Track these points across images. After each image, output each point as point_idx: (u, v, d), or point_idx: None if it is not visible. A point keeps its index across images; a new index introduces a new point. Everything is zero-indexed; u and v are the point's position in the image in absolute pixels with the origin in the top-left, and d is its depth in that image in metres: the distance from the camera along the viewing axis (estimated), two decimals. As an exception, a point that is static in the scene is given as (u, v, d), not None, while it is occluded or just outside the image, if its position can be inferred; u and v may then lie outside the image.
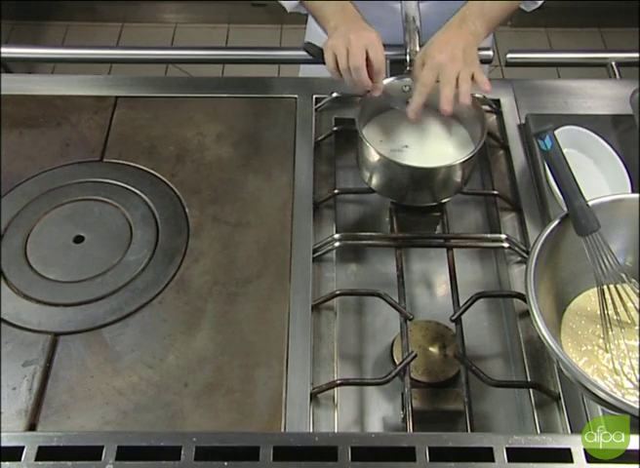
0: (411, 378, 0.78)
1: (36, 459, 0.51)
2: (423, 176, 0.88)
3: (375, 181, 0.92)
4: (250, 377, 0.78)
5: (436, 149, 0.93)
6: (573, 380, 0.65)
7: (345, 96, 1.08)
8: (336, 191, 0.97)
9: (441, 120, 0.95)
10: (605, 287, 0.75)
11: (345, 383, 0.79)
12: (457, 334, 0.81)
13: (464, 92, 0.85)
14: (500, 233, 0.92)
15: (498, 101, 1.09)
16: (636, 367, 0.73)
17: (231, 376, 0.78)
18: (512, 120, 1.06)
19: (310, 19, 1.33)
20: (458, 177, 0.89)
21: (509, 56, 1.19)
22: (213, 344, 0.81)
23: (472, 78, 0.86)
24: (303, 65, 1.39)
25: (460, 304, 0.83)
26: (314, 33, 1.30)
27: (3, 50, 1.18)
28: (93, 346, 0.81)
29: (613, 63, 1.17)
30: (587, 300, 0.79)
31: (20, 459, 0.51)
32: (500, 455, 0.51)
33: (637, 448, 0.52)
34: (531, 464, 0.51)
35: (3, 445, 0.52)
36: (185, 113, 1.07)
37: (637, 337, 0.75)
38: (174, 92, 1.11)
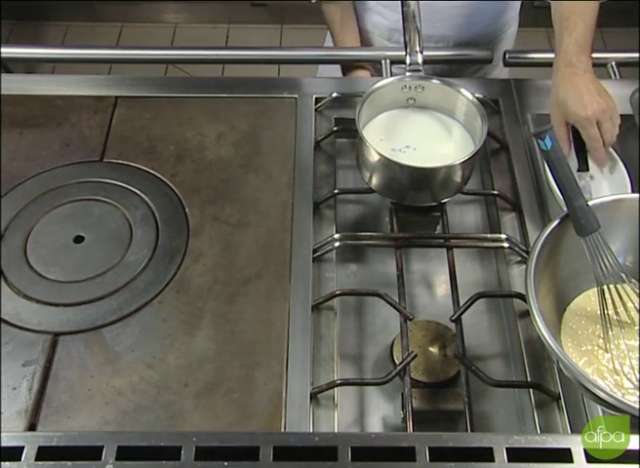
0: (411, 378, 0.78)
1: (36, 459, 0.51)
2: (423, 176, 0.88)
3: (375, 181, 0.92)
4: (250, 377, 0.78)
5: (436, 149, 0.93)
6: (573, 380, 0.65)
7: (345, 96, 1.08)
8: (336, 191, 0.97)
9: (441, 120, 0.96)
10: (605, 287, 0.75)
11: (345, 383, 0.79)
12: (457, 334, 0.81)
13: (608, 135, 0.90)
14: (500, 233, 0.92)
15: (497, 101, 1.09)
16: (636, 367, 0.73)
17: (231, 376, 0.78)
18: (512, 120, 1.06)
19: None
20: (458, 177, 0.89)
21: (509, 56, 1.19)
22: (213, 344, 0.81)
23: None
24: (322, 66, 1.40)
25: (460, 304, 0.83)
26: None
27: (3, 50, 1.18)
28: (93, 346, 0.81)
29: (613, 63, 1.17)
30: (587, 300, 0.79)
31: (20, 459, 0.51)
32: (500, 455, 0.51)
33: (637, 448, 0.52)
34: (531, 464, 0.51)
35: (3, 445, 0.52)
36: (185, 113, 1.07)
37: (637, 337, 0.75)
38: (174, 92, 1.11)
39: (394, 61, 1.17)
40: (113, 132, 1.04)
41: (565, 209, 0.76)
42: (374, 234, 0.94)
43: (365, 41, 1.28)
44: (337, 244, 0.90)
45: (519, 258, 0.90)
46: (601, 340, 0.75)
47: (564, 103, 0.91)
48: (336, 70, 1.31)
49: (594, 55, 1.08)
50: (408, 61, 0.96)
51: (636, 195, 0.77)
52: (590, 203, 0.74)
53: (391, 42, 1.25)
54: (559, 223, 0.75)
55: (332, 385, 0.78)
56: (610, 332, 0.75)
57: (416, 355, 0.78)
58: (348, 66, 1.27)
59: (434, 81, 0.94)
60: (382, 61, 1.17)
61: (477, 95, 0.93)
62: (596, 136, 0.90)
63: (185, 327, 0.82)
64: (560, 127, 0.92)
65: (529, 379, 0.80)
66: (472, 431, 0.73)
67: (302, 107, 1.07)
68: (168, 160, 1.00)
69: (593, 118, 0.89)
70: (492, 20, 1.25)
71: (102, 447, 0.52)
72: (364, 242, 0.94)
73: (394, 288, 0.86)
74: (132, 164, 1.00)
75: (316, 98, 1.09)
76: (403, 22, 0.97)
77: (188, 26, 2.86)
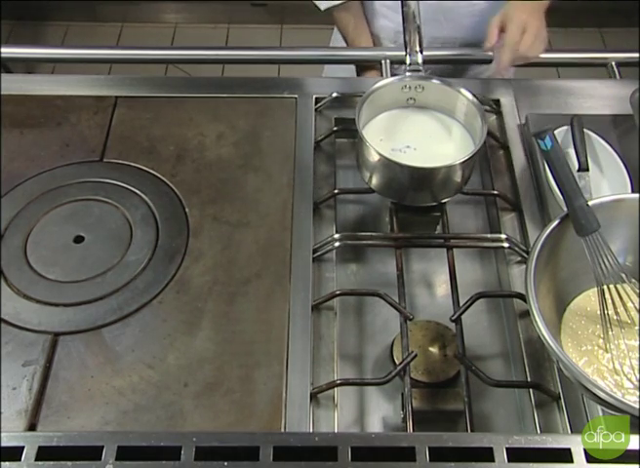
0: (411, 378, 0.78)
1: (36, 459, 0.51)
2: (423, 176, 0.88)
3: (375, 181, 0.92)
4: (250, 377, 0.78)
5: (436, 149, 0.93)
6: (573, 380, 0.65)
7: (345, 96, 1.08)
8: (336, 191, 0.97)
9: (441, 120, 0.96)
10: (605, 287, 0.75)
11: (345, 383, 0.79)
12: (457, 334, 0.81)
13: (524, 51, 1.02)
14: (500, 233, 0.92)
15: (498, 101, 1.09)
16: (636, 367, 0.73)
17: (231, 376, 0.78)
18: (512, 120, 1.06)
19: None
20: (458, 177, 0.89)
21: (509, 56, 1.18)
22: (213, 344, 0.81)
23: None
24: (328, 66, 1.40)
25: (460, 304, 0.83)
26: (340, 37, 1.31)
27: (3, 50, 1.18)
28: (93, 346, 0.81)
29: (613, 63, 1.17)
30: (587, 300, 0.79)
31: (20, 459, 0.51)
32: (500, 455, 0.51)
33: (637, 448, 0.52)
34: (531, 464, 0.51)
35: (3, 445, 0.52)
36: (185, 113, 1.07)
37: (637, 337, 0.75)
38: (174, 92, 1.11)
39: (394, 61, 1.17)
40: (113, 132, 1.04)
41: (565, 209, 0.76)
42: (374, 234, 0.94)
43: (373, 45, 1.28)
44: (337, 244, 0.90)
45: (519, 258, 0.90)
46: (601, 340, 0.75)
47: (507, 8, 1.03)
48: (341, 71, 1.31)
49: (594, 55, 1.09)
50: (408, 61, 0.96)
51: (636, 195, 0.77)
52: (590, 203, 0.74)
53: (397, 45, 1.25)
54: (559, 223, 0.75)
55: (332, 385, 0.78)
56: (610, 332, 0.75)
57: (416, 355, 0.78)
58: (362, 67, 1.27)
59: (434, 81, 0.94)
60: (382, 61, 1.18)
61: (477, 95, 0.93)
62: (515, 37, 1.01)
63: (185, 327, 0.82)
64: (493, 25, 1.03)
65: (529, 379, 0.80)
66: (472, 431, 0.73)
67: (302, 107, 1.07)
68: (168, 160, 1.00)
69: (522, 22, 1.01)
70: None
71: (102, 447, 0.52)
72: (364, 242, 0.94)
73: (394, 288, 0.86)
74: (132, 164, 1.00)
75: (316, 98, 1.09)
76: (403, 23, 0.97)
77: (188, 26, 2.87)
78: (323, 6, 1.25)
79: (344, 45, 1.31)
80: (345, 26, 1.28)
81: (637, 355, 0.74)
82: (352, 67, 1.31)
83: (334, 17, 1.28)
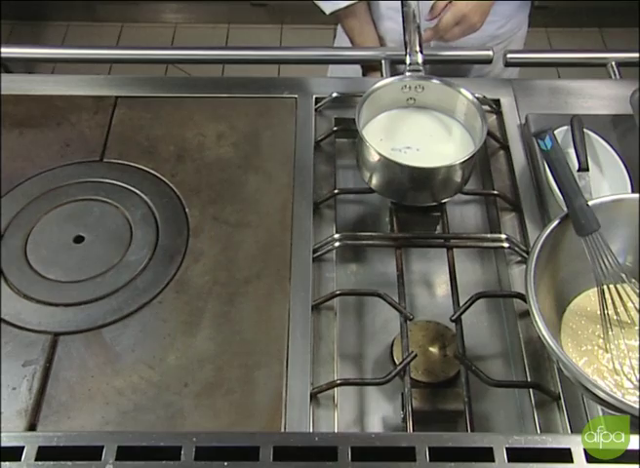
0: (411, 378, 0.78)
1: (36, 459, 0.51)
2: (423, 176, 0.88)
3: (375, 181, 0.92)
4: (250, 377, 0.78)
5: (436, 149, 0.93)
6: (573, 380, 0.65)
7: (345, 96, 1.08)
8: (336, 191, 0.97)
9: (441, 120, 0.96)
10: (605, 287, 0.75)
11: (345, 383, 0.79)
12: (457, 334, 0.81)
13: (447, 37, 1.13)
14: (500, 233, 0.92)
15: (498, 101, 1.09)
16: (636, 367, 0.73)
17: (231, 376, 0.78)
18: (512, 120, 1.06)
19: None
20: (458, 177, 0.89)
21: (509, 56, 1.19)
22: (213, 344, 0.81)
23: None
24: (332, 66, 1.40)
25: (460, 304, 0.83)
26: (344, 37, 1.31)
27: (3, 50, 1.18)
28: (93, 346, 0.81)
29: (613, 63, 1.17)
30: (587, 300, 0.79)
31: (20, 459, 0.51)
32: (500, 455, 0.51)
33: (637, 448, 0.52)
34: (531, 464, 0.51)
35: (3, 445, 0.52)
36: (185, 113, 1.07)
37: (637, 337, 0.75)
38: (174, 92, 1.11)
39: (394, 61, 1.17)
40: (113, 132, 1.04)
41: (565, 209, 0.76)
42: (374, 234, 0.94)
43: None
44: (337, 244, 0.90)
45: (519, 258, 0.90)
46: (601, 340, 0.75)
47: None
48: (343, 71, 1.31)
49: (594, 55, 1.08)
50: (408, 61, 0.96)
51: (636, 195, 0.77)
52: (590, 203, 0.74)
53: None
54: (559, 223, 0.75)
55: (332, 385, 0.78)
56: (610, 332, 0.75)
57: (416, 355, 0.78)
58: (367, 67, 1.27)
59: (434, 81, 0.94)
60: (382, 61, 1.18)
61: (477, 95, 0.93)
62: (447, 26, 1.12)
63: (185, 327, 0.82)
64: (440, 4, 1.12)
65: (529, 379, 0.80)
66: (472, 431, 0.73)
67: (302, 107, 1.07)
68: (168, 160, 1.00)
69: (461, 15, 1.11)
70: (505, 21, 1.25)
71: (102, 447, 0.52)
72: (364, 242, 0.94)
73: (394, 288, 0.86)
74: (132, 164, 1.00)
75: (316, 98, 1.09)
76: (403, 22, 0.97)
77: (188, 26, 2.87)
78: (328, 10, 1.24)
79: (348, 45, 1.31)
80: (352, 30, 1.28)
81: (637, 355, 0.74)
82: (358, 68, 1.30)
83: (340, 20, 1.28)
